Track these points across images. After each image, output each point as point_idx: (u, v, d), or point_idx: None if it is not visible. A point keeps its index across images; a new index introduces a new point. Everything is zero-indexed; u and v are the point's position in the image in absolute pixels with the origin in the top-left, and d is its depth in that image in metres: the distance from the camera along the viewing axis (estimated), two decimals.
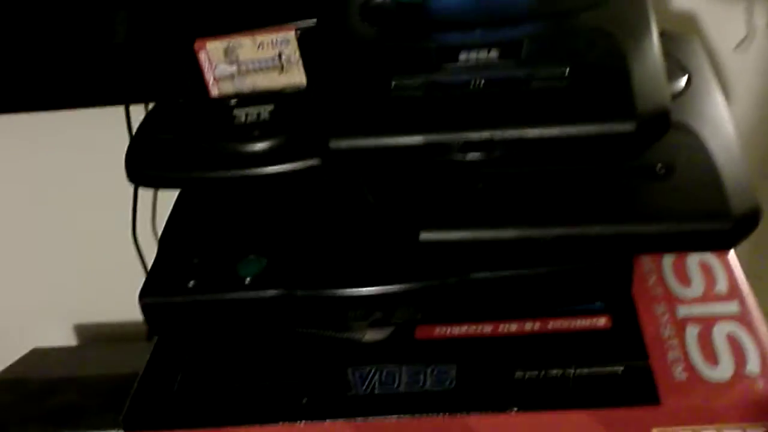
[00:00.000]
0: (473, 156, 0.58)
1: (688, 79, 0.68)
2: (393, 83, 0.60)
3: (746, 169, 0.60)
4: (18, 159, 1.15)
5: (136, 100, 1.00)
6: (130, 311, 1.31)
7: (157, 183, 0.72)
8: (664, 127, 0.55)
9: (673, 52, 0.71)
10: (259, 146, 0.69)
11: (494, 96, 0.58)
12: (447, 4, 0.67)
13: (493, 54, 0.60)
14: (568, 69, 0.58)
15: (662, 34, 0.70)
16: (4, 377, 1.06)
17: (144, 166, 0.72)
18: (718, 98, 0.66)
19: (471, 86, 0.59)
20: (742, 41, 1.00)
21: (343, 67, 0.64)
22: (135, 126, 0.95)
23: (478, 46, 0.61)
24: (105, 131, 1.03)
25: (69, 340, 1.40)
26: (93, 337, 1.41)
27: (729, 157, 0.60)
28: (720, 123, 0.63)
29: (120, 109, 1.00)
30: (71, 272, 1.29)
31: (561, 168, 0.60)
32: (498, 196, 0.60)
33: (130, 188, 1.03)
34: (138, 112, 0.99)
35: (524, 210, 0.59)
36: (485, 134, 0.57)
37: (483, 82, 0.59)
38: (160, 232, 1.16)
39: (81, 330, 1.41)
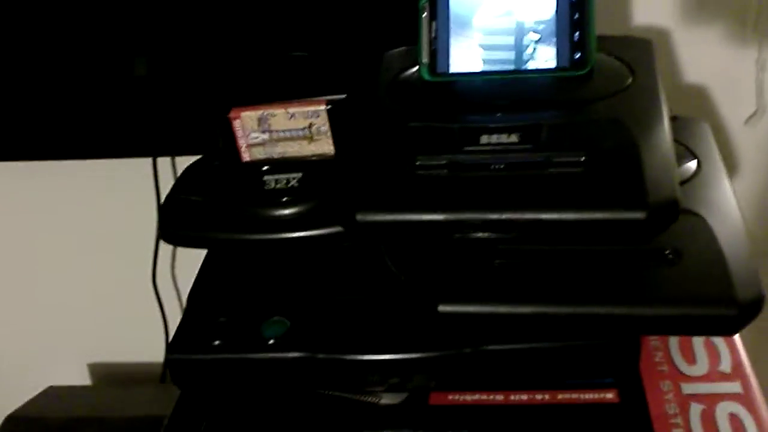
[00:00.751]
0: (492, 235, 0.61)
1: (698, 165, 0.71)
2: (418, 161, 0.64)
3: (751, 255, 0.63)
4: (45, 203, 1.20)
5: (163, 154, 1.04)
6: (145, 352, 1.34)
7: (189, 243, 0.76)
8: (674, 216, 0.58)
9: (684, 137, 0.75)
10: (287, 212, 0.73)
11: (513, 178, 0.62)
12: (471, 86, 0.71)
13: (513, 138, 0.64)
14: (583, 156, 0.61)
15: (674, 119, 0.74)
16: (20, 414, 1.08)
17: (177, 226, 0.76)
18: (725, 184, 0.70)
19: (491, 168, 0.63)
20: (752, 116, 1.04)
21: (372, 142, 0.68)
22: (161, 177, 1.00)
23: (499, 130, 0.65)
24: (131, 181, 1.08)
25: (83, 378, 1.43)
26: (106, 376, 1.44)
27: (735, 245, 0.63)
28: (727, 210, 0.66)
29: (147, 161, 1.04)
30: (88, 313, 1.32)
31: (574, 249, 0.63)
32: (514, 273, 0.64)
33: (152, 235, 1.07)
34: (164, 164, 1.04)
35: (538, 287, 0.62)
36: (504, 215, 0.60)
37: (503, 164, 0.63)
38: (178, 279, 1.20)
39: (95, 369, 1.44)
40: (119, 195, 1.14)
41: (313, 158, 0.77)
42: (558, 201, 0.59)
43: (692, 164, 0.72)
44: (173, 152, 1.04)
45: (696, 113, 1.02)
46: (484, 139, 0.65)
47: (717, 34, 0.98)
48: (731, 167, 1.06)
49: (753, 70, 1.00)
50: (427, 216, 0.61)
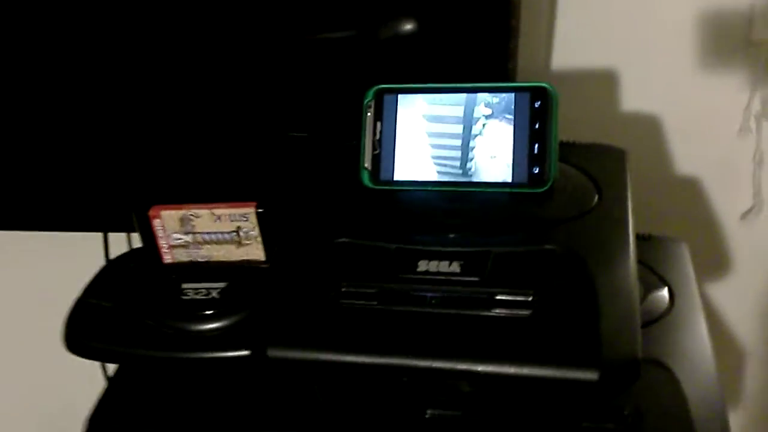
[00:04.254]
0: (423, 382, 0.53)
1: (670, 297, 0.63)
2: (343, 288, 0.55)
3: (725, 416, 0.54)
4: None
5: (115, 230, 0.96)
6: None
7: (95, 355, 0.67)
8: (633, 376, 0.49)
9: (658, 260, 0.66)
10: (204, 327, 0.65)
11: (450, 318, 0.53)
12: (415, 199, 0.63)
13: (455, 267, 0.56)
14: (532, 296, 0.52)
15: (647, 238, 0.66)
16: None
17: (82, 335, 0.67)
18: (700, 323, 0.61)
19: (427, 302, 0.54)
20: (749, 211, 0.96)
21: (294, 260, 0.59)
22: (112, 253, 0.91)
23: (439, 256, 0.56)
24: (83, 256, 1.00)
25: None
26: None
27: (707, 404, 0.54)
28: (700, 358, 0.57)
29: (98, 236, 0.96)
30: (44, 391, 1.24)
31: (517, 403, 0.54)
32: (446, 424, 0.55)
33: None
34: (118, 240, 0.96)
35: None
36: (435, 364, 0.51)
37: (440, 299, 0.54)
38: None
39: None
40: (67, 269, 1.06)
41: (242, 264, 0.69)
42: (498, 351, 0.51)
43: (664, 297, 0.63)
44: (126, 229, 0.95)
45: (691, 205, 0.95)
46: (422, 266, 0.56)
47: (716, 123, 0.90)
48: (726, 263, 0.98)
49: (751, 165, 0.93)
50: (347, 357, 0.53)
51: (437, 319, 0.53)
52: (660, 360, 0.56)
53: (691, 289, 0.64)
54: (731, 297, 1.00)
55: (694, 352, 0.58)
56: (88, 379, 1.04)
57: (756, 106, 0.90)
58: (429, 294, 0.55)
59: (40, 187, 0.92)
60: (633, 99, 0.93)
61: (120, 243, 0.88)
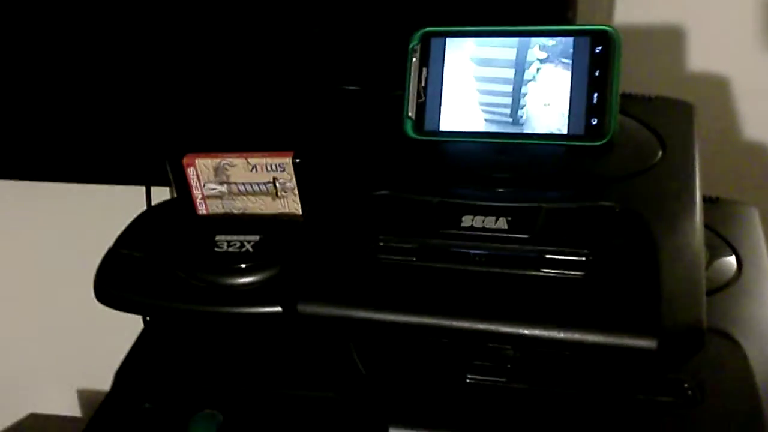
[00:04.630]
0: (464, 345, 0.49)
1: (738, 265, 0.57)
2: (381, 242, 0.52)
3: None
4: (36, 225, 1.13)
5: (157, 183, 0.94)
6: None
7: (125, 307, 0.65)
8: (697, 346, 0.45)
9: (726, 226, 0.61)
10: (237, 281, 0.62)
11: (496, 277, 0.49)
12: (462, 151, 0.59)
13: (502, 223, 0.51)
14: (586, 256, 0.48)
15: (714, 201, 0.60)
16: None
17: (112, 286, 0.65)
18: None
19: (471, 260, 0.50)
20: None
21: (329, 213, 0.56)
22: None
23: (485, 211, 0.52)
24: (123, 208, 0.99)
25: (71, 406, 1.35)
26: (96, 405, 1.35)
27: None
28: None
29: (141, 189, 0.94)
30: (76, 338, 1.24)
31: (567, 372, 0.50)
32: (485, 393, 0.51)
33: None
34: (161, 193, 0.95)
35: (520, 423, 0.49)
36: (478, 326, 0.47)
37: (485, 257, 0.50)
38: None
39: (84, 396, 1.35)
40: (111, 222, 1.05)
41: (278, 217, 0.66)
42: (546, 314, 0.46)
43: (731, 264, 0.58)
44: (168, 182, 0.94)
45: (761, 169, 0.88)
46: (467, 221, 0.52)
47: None
48: None
49: None
50: (382, 316, 0.49)
51: (481, 278, 0.49)
52: (726, 331, 0.51)
53: (761, 256, 0.59)
54: None
55: (764, 324, 0.53)
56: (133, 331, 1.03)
57: None
58: (473, 251, 0.50)
59: (83, 139, 0.91)
60: (700, 57, 0.86)
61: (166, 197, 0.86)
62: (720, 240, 0.59)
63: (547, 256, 0.49)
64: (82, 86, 0.84)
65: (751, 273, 0.57)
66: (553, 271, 0.48)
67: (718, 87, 0.87)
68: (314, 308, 0.50)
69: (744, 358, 0.49)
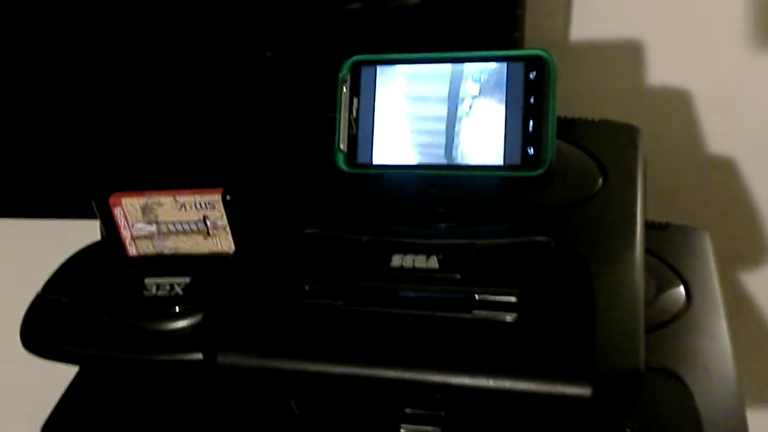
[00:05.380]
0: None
1: (687, 295, 0.55)
2: (306, 286, 0.49)
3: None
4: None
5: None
6: None
7: (53, 355, 0.62)
8: (634, 392, 0.42)
9: (674, 256, 0.58)
10: (167, 327, 0.59)
11: (426, 321, 0.46)
12: (396, 185, 0.56)
13: (432, 262, 0.49)
14: (517, 297, 0.45)
15: (665, 227, 0.58)
16: None
17: (39, 334, 0.62)
18: (720, 327, 0.53)
19: (399, 302, 0.47)
20: None
21: (255, 254, 0.53)
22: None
23: (415, 250, 0.49)
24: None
25: None
26: None
27: (724, 421, 0.46)
28: (718, 369, 0.50)
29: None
30: (39, 373, 1.20)
31: (497, 420, 0.47)
32: None
33: None
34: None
35: None
36: (404, 375, 0.44)
37: (414, 299, 0.47)
38: None
39: None
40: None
41: (210, 256, 0.63)
42: (477, 361, 0.44)
43: (680, 294, 0.55)
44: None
45: (722, 189, 0.86)
46: (396, 260, 0.49)
47: (752, 99, 0.82)
48: (756, 254, 0.88)
49: None
50: (305, 366, 0.46)
51: (409, 322, 0.46)
52: (671, 369, 0.49)
53: (712, 285, 0.56)
54: (760, 293, 0.91)
55: (713, 360, 0.50)
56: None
57: None
58: (402, 293, 0.48)
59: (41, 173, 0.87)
60: (661, 73, 0.84)
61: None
62: (668, 269, 0.56)
63: (478, 297, 0.46)
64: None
65: (700, 304, 0.54)
66: (484, 312, 0.45)
67: (678, 103, 0.85)
68: (234, 359, 0.47)
69: (690, 398, 0.47)
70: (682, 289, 0.56)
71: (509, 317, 0.45)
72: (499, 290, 0.46)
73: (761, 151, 0.86)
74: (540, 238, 0.49)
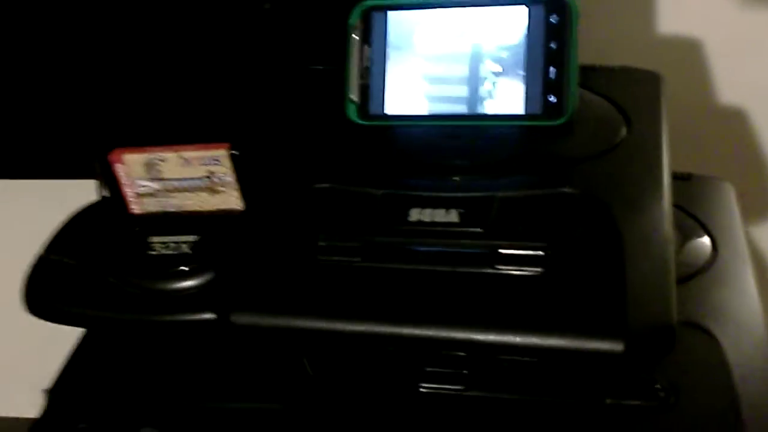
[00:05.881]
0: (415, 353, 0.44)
1: (713, 247, 0.53)
2: (321, 242, 0.47)
3: None
4: None
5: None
6: None
7: (57, 318, 0.60)
8: (666, 347, 0.40)
9: (699, 204, 0.57)
10: (174, 287, 0.57)
11: (447, 276, 0.44)
12: (410, 136, 0.54)
13: (453, 216, 0.47)
14: (544, 251, 0.43)
15: (687, 178, 0.56)
16: None
17: (43, 296, 0.60)
18: (746, 277, 0.51)
19: (418, 258, 0.45)
20: None
21: (266, 210, 0.51)
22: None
23: (434, 203, 0.47)
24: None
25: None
26: None
27: (756, 375, 0.45)
28: (748, 322, 0.48)
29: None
30: (38, 337, 1.19)
31: (528, 379, 0.46)
32: (439, 402, 0.46)
33: None
34: None
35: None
36: (427, 332, 0.43)
37: (434, 254, 0.45)
38: None
39: None
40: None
41: (218, 214, 0.60)
42: (503, 317, 0.42)
43: (705, 246, 0.53)
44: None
45: (734, 140, 0.84)
46: (414, 215, 0.47)
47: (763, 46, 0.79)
48: None
49: None
50: (322, 325, 0.44)
51: (430, 278, 0.45)
52: (700, 322, 0.47)
53: (737, 237, 0.55)
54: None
55: (741, 313, 0.49)
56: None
57: None
58: (421, 248, 0.46)
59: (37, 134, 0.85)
60: (669, 21, 0.81)
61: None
62: (692, 221, 0.55)
63: (502, 251, 0.44)
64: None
65: (726, 255, 0.53)
66: (508, 268, 0.44)
67: (689, 51, 0.82)
68: (249, 318, 0.46)
69: (720, 352, 0.45)
70: (707, 240, 0.54)
71: (535, 271, 0.43)
72: (523, 244, 0.44)
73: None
74: (564, 189, 0.47)
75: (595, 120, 0.52)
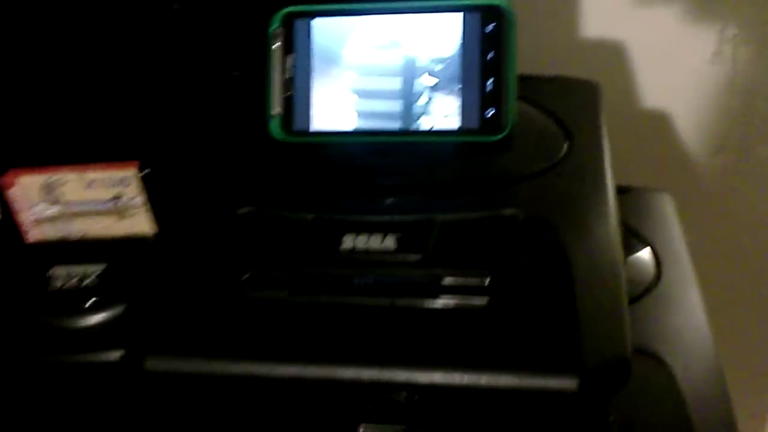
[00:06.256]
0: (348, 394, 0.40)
1: (657, 267, 0.51)
2: (245, 276, 0.42)
3: (731, 414, 0.43)
4: None
5: None
6: None
7: None
8: (622, 379, 0.38)
9: (639, 222, 0.54)
10: (77, 324, 0.51)
11: (384, 310, 0.40)
12: (339, 154, 0.50)
13: (389, 242, 0.43)
14: (489, 279, 0.40)
15: (626, 191, 0.54)
16: None
17: None
18: (693, 298, 0.50)
19: (353, 289, 0.41)
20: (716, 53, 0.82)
21: (184, 240, 0.46)
22: None
23: (369, 228, 0.43)
24: None
25: None
26: None
27: (708, 402, 0.43)
28: (697, 345, 0.46)
29: None
30: None
31: (475, 419, 0.42)
32: None
33: None
34: None
35: None
36: (364, 374, 0.39)
37: (370, 285, 0.41)
38: None
39: None
40: None
41: (127, 239, 0.55)
42: (446, 354, 0.38)
43: (648, 264, 0.51)
44: None
45: (662, 145, 0.83)
46: (348, 241, 0.43)
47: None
48: (707, 213, 0.85)
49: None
50: (249, 369, 0.40)
51: (367, 312, 0.41)
52: (649, 347, 0.45)
53: (680, 253, 0.53)
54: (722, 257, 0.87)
55: (690, 336, 0.47)
56: None
57: (731, 30, 0.78)
58: (355, 280, 0.42)
59: None
60: (593, 25, 0.80)
61: None
62: (634, 238, 0.52)
63: (444, 282, 0.40)
64: None
65: (670, 274, 0.51)
66: (451, 298, 0.40)
67: (615, 57, 0.81)
68: (166, 363, 0.41)
69: (672, 380, 0.43)
70: (651, 258, 0.52)
71: (480, 303, 0.40)
72: (466, 272, 0.41)
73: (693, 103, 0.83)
74: (507, 211, 0.43)
75: (535, 134, 0.50)
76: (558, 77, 0.56)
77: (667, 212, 0.57)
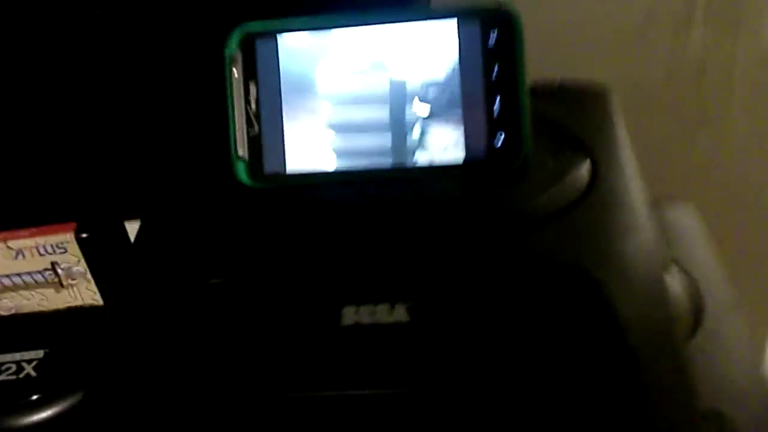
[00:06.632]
0: None
1: (592, 170, 0.41)
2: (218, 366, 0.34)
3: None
4: None
5: None
6: None
7: None
8: None
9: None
10: (17, 422, 0.42)
11: (404, 403, 0.33)
12: (323, 200, 0.41)
13: (399, 313, 0.35)
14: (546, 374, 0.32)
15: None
16: None
17: None
18: (743, 339, 0.43)
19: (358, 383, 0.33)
20: None
21: (144, 312, 0.37)
22: None
23: (372, 297, 0.35)
24: None
25: None
26: None
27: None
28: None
29: None
30: None
31: None
32: None
33: None
34: None
35: None
36: None
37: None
38: None
39: None
40: None
41: (69, 314, 0.46)
42: None
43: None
44: None
45: None
46: (349, 315, 0.35)
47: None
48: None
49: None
50: None
51: (375, 407, 0.33)
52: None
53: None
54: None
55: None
56: None
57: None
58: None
59: None
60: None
61: None
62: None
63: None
64: None
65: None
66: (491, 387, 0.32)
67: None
68: None
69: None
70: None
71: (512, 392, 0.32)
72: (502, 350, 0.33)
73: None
74: (539, 262, 0.36)
75: (551, 157, 0.42)
76: (563, 85, 0.48)
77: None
